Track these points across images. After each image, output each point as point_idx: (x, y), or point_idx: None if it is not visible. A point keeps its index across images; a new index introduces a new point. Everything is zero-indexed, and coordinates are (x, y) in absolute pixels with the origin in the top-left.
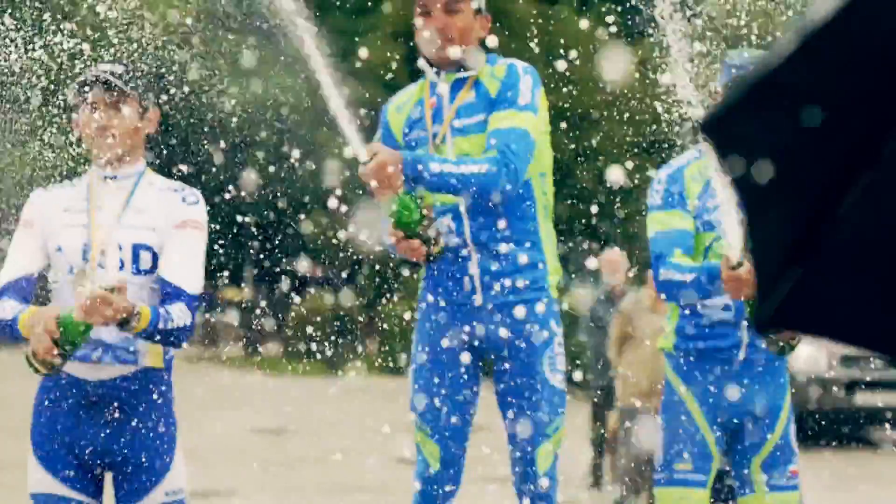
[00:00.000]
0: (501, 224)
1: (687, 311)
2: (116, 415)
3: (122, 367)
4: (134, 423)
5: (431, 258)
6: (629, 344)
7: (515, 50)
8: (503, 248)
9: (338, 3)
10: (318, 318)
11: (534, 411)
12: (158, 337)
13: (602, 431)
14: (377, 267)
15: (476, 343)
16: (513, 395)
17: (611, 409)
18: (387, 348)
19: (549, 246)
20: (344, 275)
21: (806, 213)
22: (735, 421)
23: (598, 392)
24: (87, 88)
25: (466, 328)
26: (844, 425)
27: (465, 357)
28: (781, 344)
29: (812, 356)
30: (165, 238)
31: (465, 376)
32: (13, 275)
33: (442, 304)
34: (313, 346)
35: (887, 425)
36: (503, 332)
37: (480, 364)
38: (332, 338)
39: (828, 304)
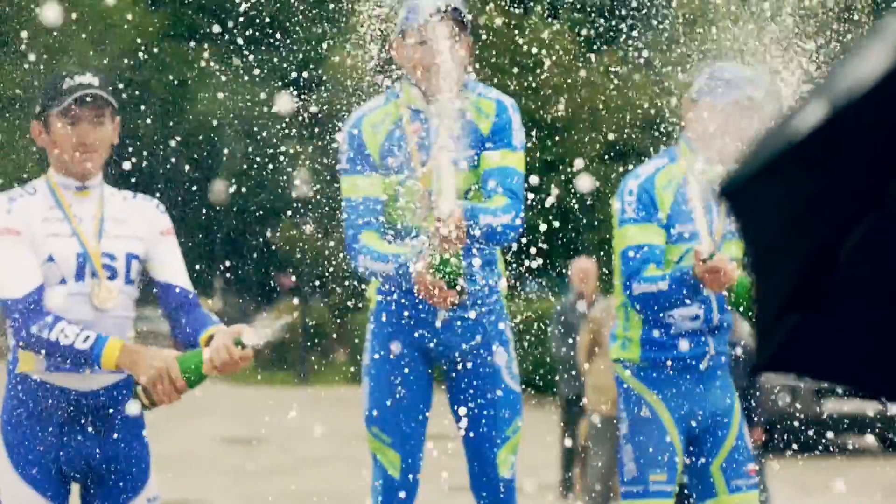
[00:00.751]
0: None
1: (653, 321)
2: (102, 424)
3: (111, 376)
4: (118, 432)
5: (454, 306)
6: (600, 352)
7: (485, 59)
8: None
9: (303, 9)
10: (288, 328)
11: (494, 415)
12: None
13: (572, 440)
14: (347, 276)
15: (432, 349)
16: (472, 400)
17: (581, 417)
18: (357, 358)
19: (498, 250)
20: (314, 284)
21: (808, 261)
22: (696, 427)
23: (568, 400)
24: (70, 101)
25: (423, 334)
26: (814, 432)
27: (422, 364)
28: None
29: None
30: (152, 246)
31: (422, 383)
32: (31, 286)
33: (400, 311)
34: (284, 356)
35: (855, 432)
36: (461, 337)
37: (432, 371)
38: (303, 347)
39: (828, 346)
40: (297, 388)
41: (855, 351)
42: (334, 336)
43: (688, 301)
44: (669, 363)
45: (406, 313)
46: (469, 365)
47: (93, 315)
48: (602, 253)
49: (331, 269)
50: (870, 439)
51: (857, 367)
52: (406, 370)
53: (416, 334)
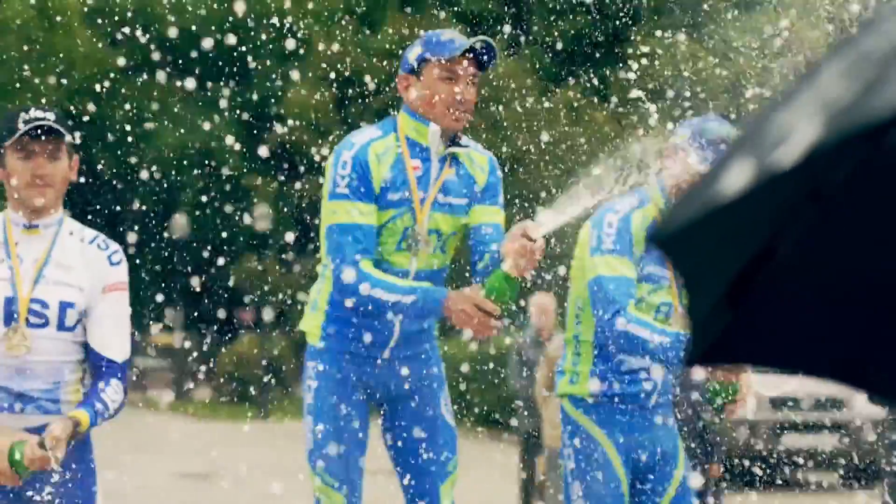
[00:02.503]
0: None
1: (604, 357)
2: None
3: (46, 416)
4: (56, 473)
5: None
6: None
7: None
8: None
9: (268, 46)
10: (248, 362)
11: (436, 450)
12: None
13: (531, 475)
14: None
15: (372, 389)
16: (414, 437)
17: (539, 452)
18: None
19: None
20: (273, 319)
21: (741, 261)
22: (644, 464)
23: (527, 435)
24: (24, 133)
25: (366, 375)
26: (772, 468)
27: (363, 401)
28: (723, 395)
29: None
30: (92, 302)
31: (363, 421)
32: None
33: (347, 346)
34: (243, 390)
35: (813, 467)
36: (402, 377)
37: (369, 406)
38: (262, 382)
39: (763, 334)
40: (256, 422)
41: (790, 333)
42: (294, 371)
43: (670, 356)
44: (617, 399)
45: (353, 348)
46: (414, 403)
47: (18, 361)
48: (558, 289)
49: (290, 303)
50: (828, 474)
51: (794, 350)
52: (351, 409)
53: (362, 374)
